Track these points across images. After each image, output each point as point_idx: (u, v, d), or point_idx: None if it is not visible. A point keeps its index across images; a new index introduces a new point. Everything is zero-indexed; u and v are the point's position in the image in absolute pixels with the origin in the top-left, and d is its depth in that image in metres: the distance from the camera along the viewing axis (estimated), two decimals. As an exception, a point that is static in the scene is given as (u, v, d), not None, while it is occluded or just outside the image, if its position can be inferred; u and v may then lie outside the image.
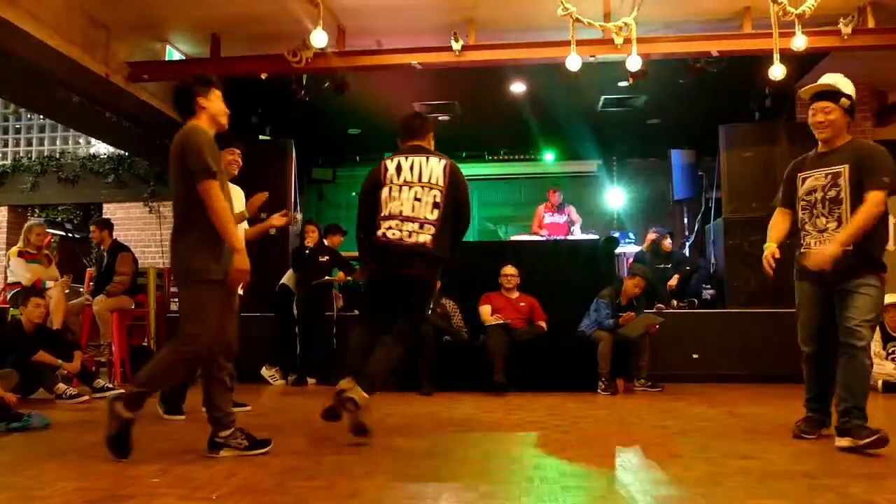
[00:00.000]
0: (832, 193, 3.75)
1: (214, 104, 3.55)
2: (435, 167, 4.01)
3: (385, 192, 4.00)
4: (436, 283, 4.34)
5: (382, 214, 3.97)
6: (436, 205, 3.94)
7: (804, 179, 3.94)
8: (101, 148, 10.16)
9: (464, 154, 11.51)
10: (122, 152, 9.84)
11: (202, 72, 3.73)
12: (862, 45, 6.53)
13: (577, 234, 9.03)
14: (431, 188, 3.96)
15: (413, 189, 3.95)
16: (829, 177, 3.79)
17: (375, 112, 9.28)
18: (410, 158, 4.03)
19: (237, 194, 4.75)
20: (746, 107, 8.63)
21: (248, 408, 4.78)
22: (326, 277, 7.20)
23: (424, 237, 3.90)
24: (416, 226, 3.90)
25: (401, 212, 3.92)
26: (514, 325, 6.51)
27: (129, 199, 9.94)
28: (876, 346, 6.33)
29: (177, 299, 6.76)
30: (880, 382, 6.11)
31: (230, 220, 3.27)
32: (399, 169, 4.01)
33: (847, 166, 3.72)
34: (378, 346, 3.82)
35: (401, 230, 3.90)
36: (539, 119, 9.59)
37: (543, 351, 6.43)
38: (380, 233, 3.94)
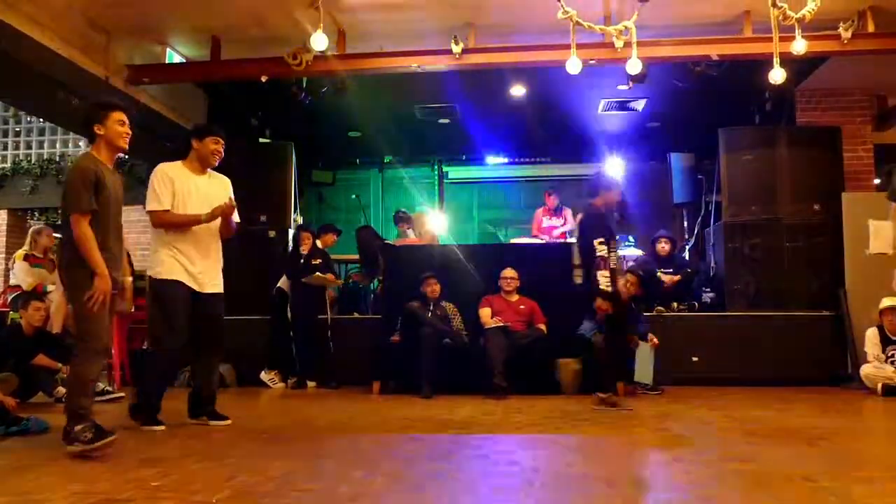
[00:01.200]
0: None
1: (111, 129, 3.77)
2: None
3: None
4: None
5: None
6: None
7: None
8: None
9: (464, 157, 11.54)
10: (122, 155, 9.82)
11: (109, 98, 4.14)
12: (862, 50, 6.55)
13: (574, 239, 9.01)
14: None
15: None
16: None
17: (376, 115, 9.29)
18: None
19: (223, 184, 4.75)
20: (746, 110, 8.64)
21: (229, 422, 4.67)
22: (317, 274, 7.17)
23: None
24: None
25: None
26: (513, 327, 6.50)
27: (128, 203, 9.75)
28: (875, 349, 6.33)
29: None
30: (880, 386, 6.10)
31: (93, 249, 3.58)
32: None
33: None
34: None
35: None
36: (539, 122, 9.60)
37: (543, 354, 6.42)
38: None
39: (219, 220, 4.52)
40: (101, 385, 5.89)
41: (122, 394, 5.92)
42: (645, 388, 6.35)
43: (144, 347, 7.44)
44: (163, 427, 4.23)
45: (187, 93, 8.28)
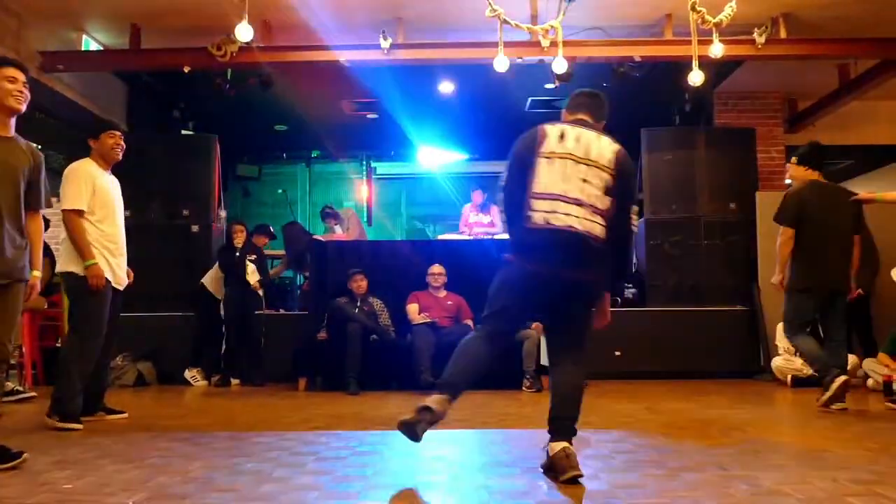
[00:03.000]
0: None
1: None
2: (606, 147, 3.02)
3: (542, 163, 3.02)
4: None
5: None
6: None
7: None
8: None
9: (392, 153, 11.51)
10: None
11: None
12: (774, 55, 6.81)
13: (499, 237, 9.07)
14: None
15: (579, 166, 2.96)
16: None
17: (302, 109, 9.16)
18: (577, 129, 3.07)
19: (116, 185, 4.55)
20: (667, 111, 8.89)
21: (125, 415, 4.60)
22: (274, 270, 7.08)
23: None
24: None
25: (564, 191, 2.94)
26: (441, 323, 6.53)
27: (42, 195, 9.52)
28: (785, 342, 6.60)
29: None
30: (790, 377, 6.38)
31: None
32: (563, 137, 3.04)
33: None
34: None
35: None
36: (467, 119, 9.65)
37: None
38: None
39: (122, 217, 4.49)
40: (10, 384, 5.64)
41: (34, 393, 5.68)
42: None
43: (59, 345, 7.17)
44: (81, 426, 4.10)
45: (105, 82, 7.99)
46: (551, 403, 2.94)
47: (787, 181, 8.51)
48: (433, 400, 2.91)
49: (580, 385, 2.99)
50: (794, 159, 5.23)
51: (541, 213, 2.92)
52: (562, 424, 2.88)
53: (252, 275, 7.09)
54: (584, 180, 2.94)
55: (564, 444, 2.81)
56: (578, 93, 3.38)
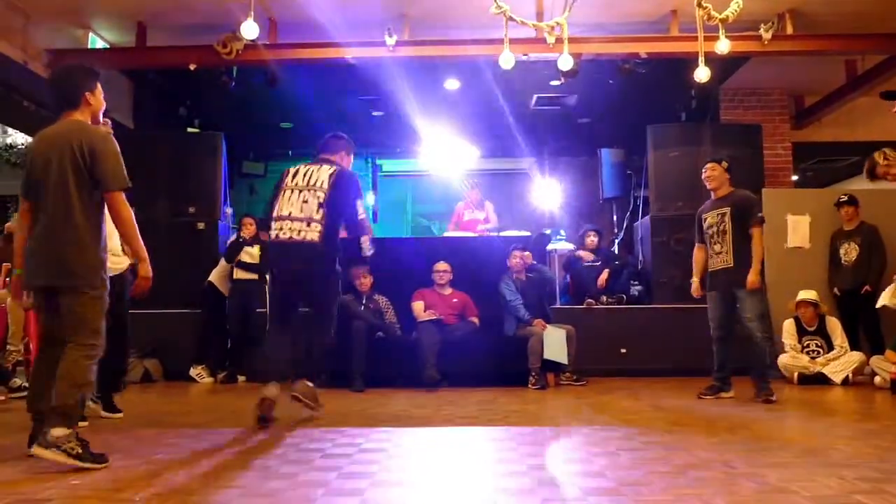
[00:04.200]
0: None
1: (98, 100, 3.38)
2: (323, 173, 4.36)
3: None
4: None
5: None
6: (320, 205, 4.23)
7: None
8: (18, 138, 9.75)
9: (397, 150, 11.49)
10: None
11: (88, 62, 3.51)
12: (781, 51, 6.80)
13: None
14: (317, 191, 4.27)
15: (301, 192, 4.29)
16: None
17: (308, 106, 9.16)
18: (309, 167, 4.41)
19: None
20: (673, 108, 8.87)
21: (121, 415, 4.62)
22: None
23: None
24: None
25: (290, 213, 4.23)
26: (446, 320, 6.54)
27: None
28: (791, 339, 6.60)
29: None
30: (796, 375, 6.37)
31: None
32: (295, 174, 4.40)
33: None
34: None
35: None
36: (472, 116, 9.64)
37: (475, 346, 6.47)
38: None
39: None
40: (18, 381, 5.67)
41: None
42: (571, 379, 6.46)
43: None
44: (86, 423, 4.12)
45: (112, 80, 7.98)
46: None
47: (794, 178, 8.53)
48: None
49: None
50: (724, 164, 5.51)
51: None
52: None
53: (252, 256, 7.08)
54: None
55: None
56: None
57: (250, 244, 7.13)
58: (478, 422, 4.30)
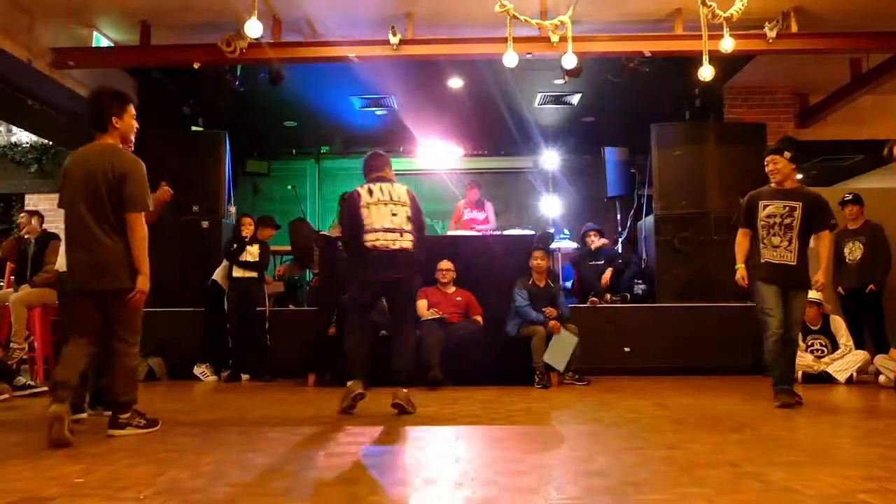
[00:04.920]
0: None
1: (127, 123, 3.75)
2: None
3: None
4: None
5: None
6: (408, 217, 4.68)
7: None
8: (23, 136, 9.77)
9: (400, 148, 11.49)
10: (46, 142, 9.47)
11: (118, 89, 3.88)
12: (785, 49, 6.78)
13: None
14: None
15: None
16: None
17: (312, 105, 9.18)
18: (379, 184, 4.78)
19: None
20: (677, 106, 8.85)
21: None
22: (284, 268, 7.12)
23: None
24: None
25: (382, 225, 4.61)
26: (450, 319, 6.53)
27: (53, 191, 9.56)
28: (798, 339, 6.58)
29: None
30: (800, 374, 6.35)
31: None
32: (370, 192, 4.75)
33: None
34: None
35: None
36: (476, 115, 9.63)
37: (479, 345, 6.46)
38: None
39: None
40: (22, 379, 5.69)
41: (45, 388, 5.71)
42: (574, 379, 6.44)
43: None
44: (85, 415, 4.23)
45: (116, 78, 8.01)
46: None
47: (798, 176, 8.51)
48: None
49: None
50: (787, 154, 5.01)
51: None
52: None
53: (253, 255, 7.10)
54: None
55: None
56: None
57: (250, 243, 7.15)
58: (481, 420, 4.29)
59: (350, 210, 4.75)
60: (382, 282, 4.62)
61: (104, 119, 3.70)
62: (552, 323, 6.33)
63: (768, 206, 5.02)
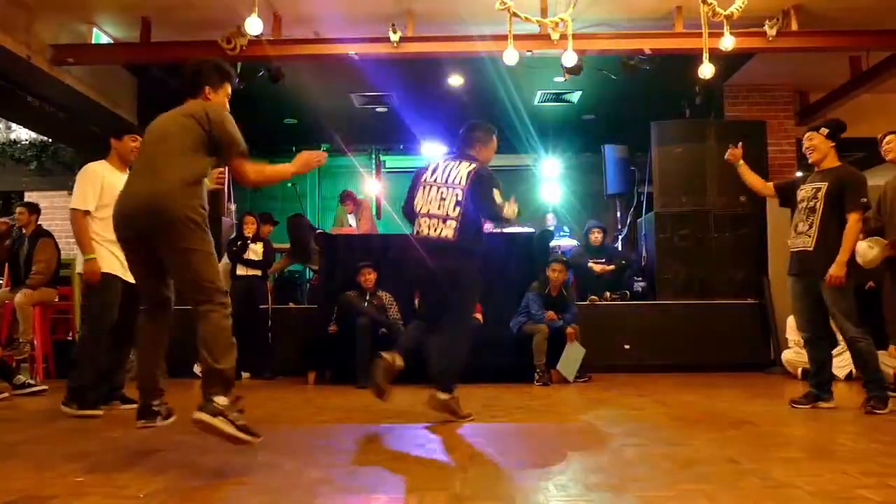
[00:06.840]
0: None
1: (220, 99, 3.68)
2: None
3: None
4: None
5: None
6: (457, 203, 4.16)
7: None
8: (22, 133, 9.75)
9: (401, 146, 11.49)
10: (46, 139, 9.46)
11: (221, 61, 3.74)
12: (785, 47, 6.77)
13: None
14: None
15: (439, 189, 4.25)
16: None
17: (312, 102, 9.16)
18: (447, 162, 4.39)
19: None
20: (677, 104, 8.85)
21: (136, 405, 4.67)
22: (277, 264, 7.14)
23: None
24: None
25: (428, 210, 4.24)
26: (449, 317, 6.52)
27: (53, 188, 9.56)
28: (795, 335, 6.58)
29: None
30: (800, 371, 6.36)
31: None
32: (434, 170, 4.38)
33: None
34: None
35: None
36: (477, 112, 9.60)
37: (479, 343, 6.44)
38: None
39: None
40: (22, 378, 5.68)
41: (45, 387, 5.71)
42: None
43: (70, 338, 7.21)
44: (100, 413, 4.28)
45: (116, 75, 8.02)
46: None
47: (799, 174, 8.49)
48: None
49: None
50: (823, 131, 4.62)
51: None
52: None
53: (257, 253, 7.12)
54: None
55: None
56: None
57: (254, 241, 7.17)
58: (482, 418, 4.30)
59: (409, 187, 4.44)
60: (424, 273, 4.18)
61: (198, 85, 3.65)
62: (569, 330, 6.38)
63: (801, 189, 4.63)
